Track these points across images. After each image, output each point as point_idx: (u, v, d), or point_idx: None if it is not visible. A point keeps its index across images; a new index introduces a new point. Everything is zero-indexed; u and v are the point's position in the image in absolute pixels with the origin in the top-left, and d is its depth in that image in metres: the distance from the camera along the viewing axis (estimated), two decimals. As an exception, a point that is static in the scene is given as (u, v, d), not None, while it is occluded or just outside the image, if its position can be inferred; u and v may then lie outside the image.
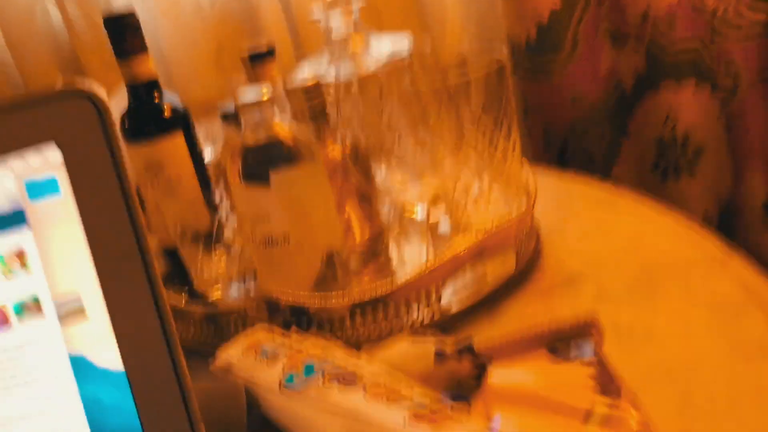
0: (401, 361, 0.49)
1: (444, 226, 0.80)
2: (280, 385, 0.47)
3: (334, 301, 0.59)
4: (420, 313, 0.61)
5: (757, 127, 0.90)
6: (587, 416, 0.43)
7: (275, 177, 0.61)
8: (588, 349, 0.49)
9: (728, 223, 1.06)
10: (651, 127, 1.08)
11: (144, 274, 0.34)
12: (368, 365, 0.49)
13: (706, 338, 0.53)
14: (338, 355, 0.50)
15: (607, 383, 0.45)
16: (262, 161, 0.61)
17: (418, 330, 0.57)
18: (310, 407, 0.45)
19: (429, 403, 0.42)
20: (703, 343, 0.52)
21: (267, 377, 0.48)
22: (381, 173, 0.74)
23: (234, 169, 0.61)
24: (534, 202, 0.70)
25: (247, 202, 0.61)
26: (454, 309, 0.62)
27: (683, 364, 0.50)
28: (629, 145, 1.14)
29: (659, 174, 1.13)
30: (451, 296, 0.65)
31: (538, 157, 1.23)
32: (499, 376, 0.48)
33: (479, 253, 0.62)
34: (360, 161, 0.69)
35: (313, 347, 0.51)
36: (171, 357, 0.33)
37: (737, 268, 0.62)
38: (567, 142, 1.20)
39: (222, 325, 0.63)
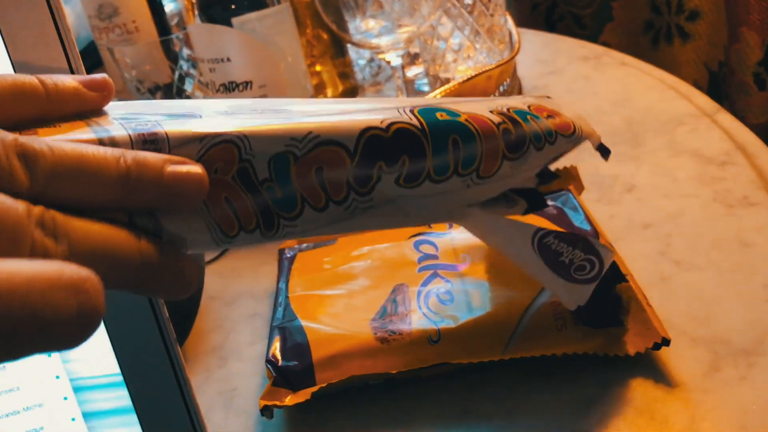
0: None
1: (421, 80, 0.76)
2: None
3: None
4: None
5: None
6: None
7: (238, 19, 0.56)
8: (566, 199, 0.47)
9: (718, 90, 1.02)
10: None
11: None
12: None
13: (689, 189, 0.50)
14: None
15: (584, 229, 0.43)
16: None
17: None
18: None
19: None
20: (686, 194, 0.50)
21: None
22: (355, 21, 0.69)
23: (189, 5, 0.56)
24: (516, 53, 0.65)
25: (205, 43, 0.57)
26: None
27: (664, 214, 0.48)
28: (620, 7, 1.08)
29: (650, 39, 1.08)
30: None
31: (524, 21, 1.17)
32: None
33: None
34: (331, 6, 0.64)
35: None
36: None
37: (725, 122, 0.59)
38: (555, 4, 1.14)
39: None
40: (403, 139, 0.29)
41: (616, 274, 0.39)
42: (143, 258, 0.22)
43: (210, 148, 0.24)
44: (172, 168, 0.23)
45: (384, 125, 0.28)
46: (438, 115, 0.30)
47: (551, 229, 0.34)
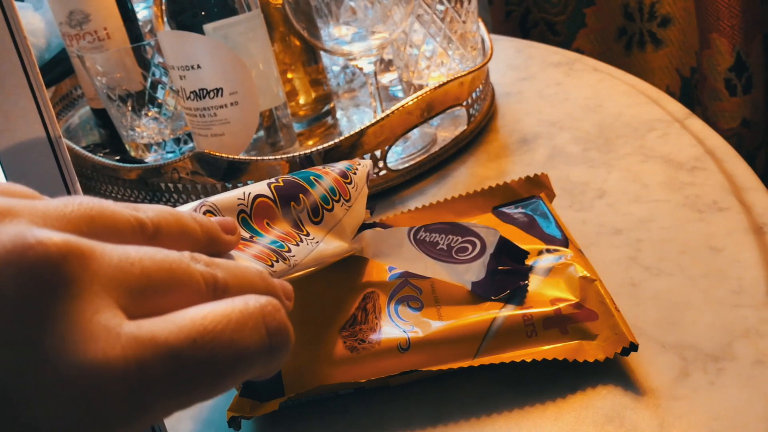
0: None
1: (395, 87, 0.76)
2: None
3: (273, 159, 0.55)
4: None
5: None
6: (530, 267, 0.41)
7: (209, 26, 0.56)
8: (535, 207, 0.47)
9: (690, 95, 1.03)
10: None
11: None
12: None
13: (659, 194, 0.51)
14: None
15: (554, 236, 0.43)
16: (194, 4, 0.55)
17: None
18: None
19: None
20: (656, 199, 0.50)
21: None
22: (328, 28, 0.68)
23: (159, 12, 0.55)
24: (489, 59, 0.66)
25: (175, 50, 0.56)
26: (403, 169, 0.59)
27: (635, 220, 0.48)
28: (593, 14, 1.09)
29: (623, 45, 1.09)
30: (401, 155, 0.61)
31: (498, 28, 1.17)
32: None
33: (428, 109, 0.58)
34: (302, 13, 0.64)
35: None
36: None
37: (696, 127, 0.59)
38: (528, 11, 1.14)
39: (155, 186, 0.59)
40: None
41: (518, 252, 0.41)
42: (266, 283, 0.24)
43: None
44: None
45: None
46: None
47: (428, 224, 0.40)
